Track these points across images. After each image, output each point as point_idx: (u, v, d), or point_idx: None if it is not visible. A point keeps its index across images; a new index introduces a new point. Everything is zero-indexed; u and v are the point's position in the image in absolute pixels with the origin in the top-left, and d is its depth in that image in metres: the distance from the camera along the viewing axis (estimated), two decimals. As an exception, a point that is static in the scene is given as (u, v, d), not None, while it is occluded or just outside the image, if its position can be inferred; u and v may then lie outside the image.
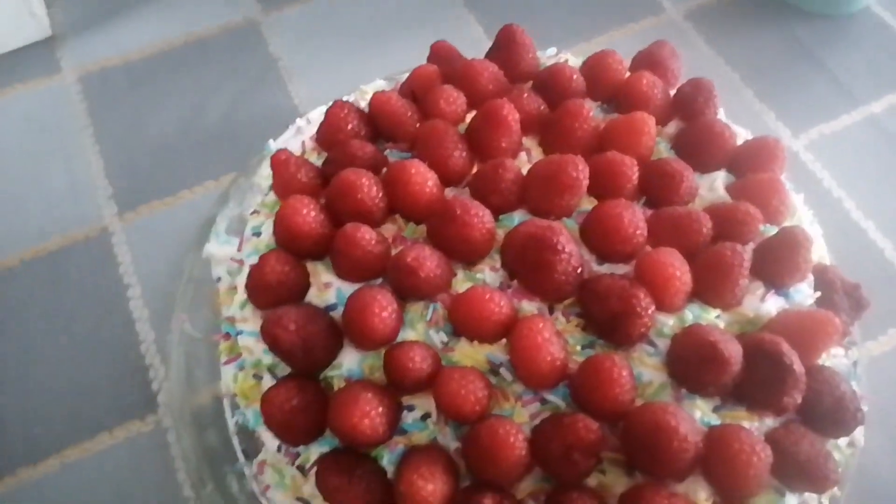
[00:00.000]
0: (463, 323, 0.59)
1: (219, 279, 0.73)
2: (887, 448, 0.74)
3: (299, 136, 0.77)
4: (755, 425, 0.57)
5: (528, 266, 0.60)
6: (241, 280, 0.65)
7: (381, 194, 0.62)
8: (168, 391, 0.75)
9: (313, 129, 0.75)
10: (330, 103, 0.72)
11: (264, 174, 0.76)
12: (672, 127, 0.72)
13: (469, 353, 0.59)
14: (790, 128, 0.93)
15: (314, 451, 0.59)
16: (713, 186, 0.67)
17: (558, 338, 0.57)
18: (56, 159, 0.91)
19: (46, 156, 0.92)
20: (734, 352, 0.55)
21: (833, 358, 0.62)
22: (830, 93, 0.96)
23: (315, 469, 0.58)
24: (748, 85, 0.97)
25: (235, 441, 0.69)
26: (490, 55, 0.74)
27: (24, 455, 0.73)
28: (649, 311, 0.57)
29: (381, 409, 0.55)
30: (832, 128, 0.94)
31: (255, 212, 0.70)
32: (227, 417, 0.70)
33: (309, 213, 0.61)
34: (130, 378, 0.78)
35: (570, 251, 0.58)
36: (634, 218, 0.60)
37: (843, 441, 0.60)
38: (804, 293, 0.63)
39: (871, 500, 0.71)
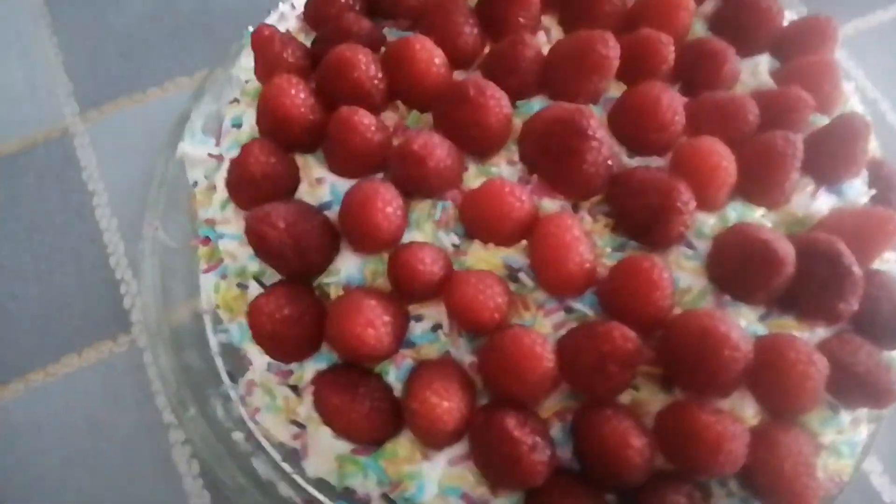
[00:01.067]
0: (477, 222, 0.51)
1: (195, 183, 0.65)
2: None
3: (283, 23, 0.68)
4: (806, 335, 0.51)
5: (551, 156, 0.52)
6: (221, 177, 0.57)
7: (380, 74, 0.54)
8: (142, 307, 0.67)
9: (298, 15, 0.66)
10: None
11: (244, 65, 0.67)
12: (709, 5, 0.63)
13: (484, 257, 0.52)
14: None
15: (310, 369, 0.52)
16: (756, 71, 0.60)
17: (587, 237, 0.50)
18: (10, 53, 0.82)
19: (1, 51, 0.81)
20: (788, 251, 0.48)
21: (887, 263, 0.56)
22: (868, -16, 0.88)
23: (312, 388, 0.51)
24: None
25: (219, 361, 0.63)
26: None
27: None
28: (691, 207, 0.50)
29: (386, 319, 0.48)
30: (868, 23, 0.86)
31: (234, 101, 0.62)
32: (209, 335, 0.63)
33: (298, 95, 0.52)
34: (100, 294, 0.70)
35: (602, 137, 0.51)
36: (673, 102, 0.53)
37: (897, 353, 0.54)
38: (858, 190, 0.56)
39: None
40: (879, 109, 0.81)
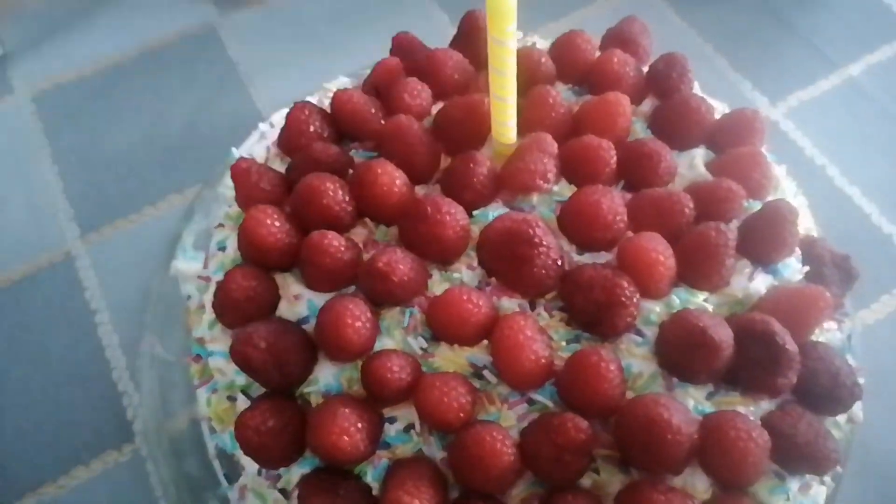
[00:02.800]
0: (441, 327, 0.56)
1: (188, 297, 0.71)
2: (886, 417, 0.72)
3: (263, 142, 0.74)
4: (751, 409, 0.54)
5: (505, 262, 0.57)
6: (209, 298, 0.63)
7: (347, 198, 0.60)
8: (143, 418, 0.71)
9: (277, 133, 0.72)
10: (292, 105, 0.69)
11: (229, 184, 0.72)
12: (647, 105, 0.69)
13: (450, 358, 0.56)
14: (767, 96, 0.91)
15: (295, 473, 0.56)
16: (693, 164, 0.65)
17: (541, 334, 0.55)
18: (13, 183, 0.88)
19: (3, 180, 0.88)
20: (724, 336, 0.53)
21: (826, 332, 0.60)
22: (806, 58, 0.94)
23: (297, 492, 0.55)
24: (722, 55, 0.94)
25: (216, 465, 0.66)
26: (454, 44, 0.72)
27: (-1, 495, 0.70)
28: (635, 300, 0.55)
29: (360, 425, 0.52)
30: (810, 93, 0.92)
31: (219, 225, 0.67)
32: (207, 441, 0.67)
33: (273, 224, 0.58)
34: (104, 407, 0.75)
35: (549, 243, 0.56)
36: (613, 204, 0.58)
37: (841, 418, 0.58)
38: (793, 268, 0.61)
39: (873, 473, 0.69)
40: (828, 174, 0.86)
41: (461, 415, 0.52)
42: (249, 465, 0.59)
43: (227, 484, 0.65)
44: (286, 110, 0.71)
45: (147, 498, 0.70)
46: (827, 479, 0.58)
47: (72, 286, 0.81)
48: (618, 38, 0.71)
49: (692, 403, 0.54)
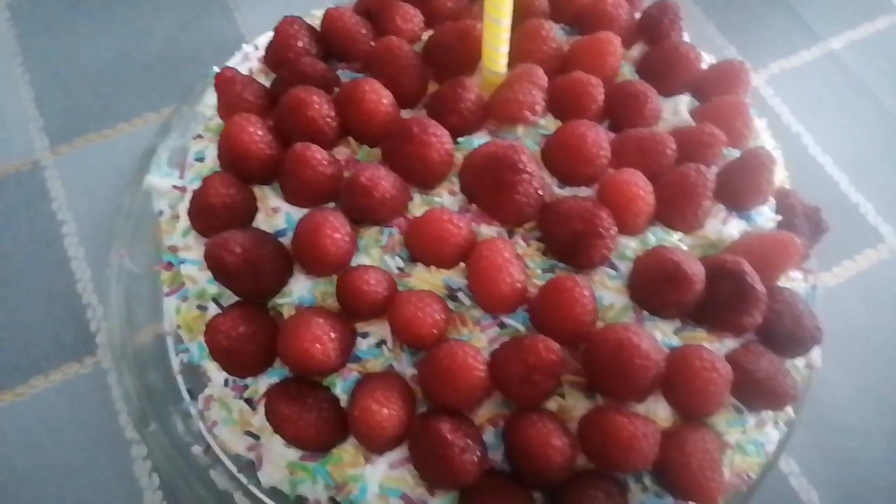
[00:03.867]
0: (420, 247, 0.56)
1: (160, 213, 0.69)
2: (841, 375, 0.74)
3: (246, 63, 0.73)
4: (716, 346, 0.56)
5: (488, 187, 0.57)
6: (184, 207, 0.62)
7: (332, 113, 0.59)
8: (107, 331, 0.70)
9: (261, 56, 0.71)
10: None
11: (209, 102, 0.71)
12: (636, 50, 0.70)
13: (426, 279, 0.56)
14: (751, 62, 0.91)
15: (263, 383, 0.56)
16: (677, 110, 0.66)
17: (518, 260, 0.55)
18: (-19, 89, 0.85)
19: (-29, 86, 0.86)
20: (697, 270, 0.54)
21: (792, 281, 0.61)
22: (792, 28, 0.95)
23: (264, 401, 0.55)
24: (710, 18, 0.95)
25: (180, 380, 0.66)
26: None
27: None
28: (612, 232, 0.55)
29: (333, 335, 0.52)
30: (792, 63, 0.93)
31: (198, 136, 0.66)
32: (171, 356, 0.67)
33: (256, 132, 0.57)
34: (66, 319, 0.73)
35: (532, 171, 0.56)
36: (598, 138, 0.58)
37: (800, 362, 0.60)
38: (766, 216, 0.62)
39: (825, 425, 0.72)
40: (802, 142, 0.88)
41: (434, 331, 0.52)
42: (216, 376, 0.59)
43: (189, 399, 0.65)
44: (272, 34, 0.69)
45: (107, 410, 0.69)
46: (781, 424, 0.61)
47: (38, 196, 0.79)
48: (613, -19, 0.71)
49: (660, 337, 0.55)
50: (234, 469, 0.61)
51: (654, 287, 0.55)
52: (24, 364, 0.71)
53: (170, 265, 0.61)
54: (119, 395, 0.69)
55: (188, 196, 0.62)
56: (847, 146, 0.87)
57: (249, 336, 0.53)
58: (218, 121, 0.65)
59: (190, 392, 0.65)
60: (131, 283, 0.69)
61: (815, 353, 0.61)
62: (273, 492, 0.59)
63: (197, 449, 0.62)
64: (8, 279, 0.75)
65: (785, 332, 0.57)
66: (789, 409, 0.61)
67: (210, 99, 0.70)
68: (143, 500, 0.66)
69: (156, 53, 0.88)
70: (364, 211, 0.56)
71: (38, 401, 0.69)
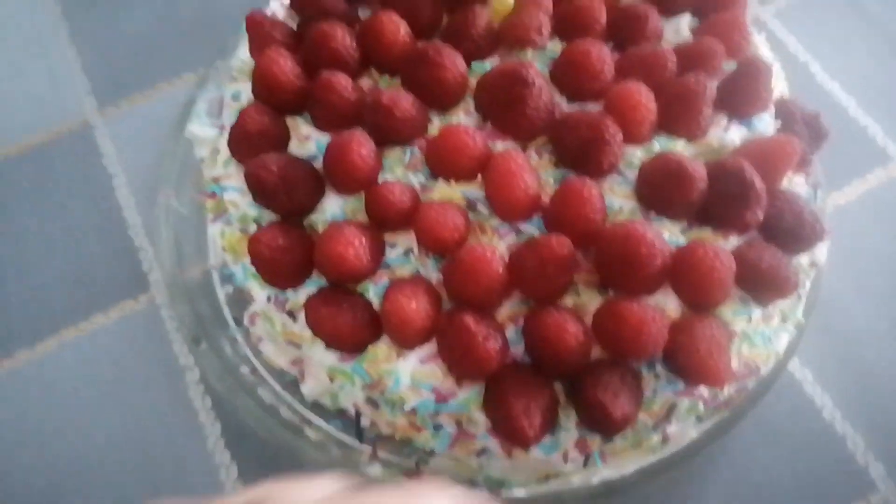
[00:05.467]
0: (440, 162, 0.61)
1: (202, 159, 0.75)
2: (852, 287, 0.77)
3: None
4: (721, 243, 0.59)
5: (500, 104, 0.61)
6: (223, 142, 0.67)
7: (354, 45, 0.64)
8: (159, 269, 0.76)
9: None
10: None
11: (242, 56, 0.76)
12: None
13: (446, 192, 0.61)
14: None
15: (302, 295, 0.61)
16: (679, 29, 0.69)
17: (532, 169, 0.60)
18: (34, 59, 0.92)
19: (25, 57, 0.92)
20: (699, 169, 0.57)
21: (794, 184, 0.65)
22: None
23: (304, 309, 0.60)
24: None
25: (226, 310, 0.72)
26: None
27: (22, 338, 0.75)
28: (618, 139, 0.59)
29: (364, 241, 0.57)
30: (801, -9, 0.95)
31: (232, 78, 0.71)
32: (217, 289, 0.72)
33: (286, 63, 0.62)
34: (121, 261, 0.79)
35: (541, 85, 0.60)
36: (602, 54, 0.62)
37: (805, 260, 0.63)
38: (766, 122, 0.65)
39: (837, 335, 0.75)
40: (810, 70, 0.90)
41: (455, 235, 0.57)
42: (259, 295, 0.64)
43: (235, 326, 0.70)
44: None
45: (162, 341, 0.75)
46: (790, 325, 0.64)
47: (90, 152, 0.85)
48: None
49: (667, 236, 0.59)
50: (278, 386, 0.67)
51: (659, 188, 0.59)
52: (85, 303, 0.77)
53: (213, 194, 0.67)
54: (171, 327, 0.75)
55: (226, 133, 0.67)
56: (854, 72, 0.89)
57: (288, 248, 0.58)
58: (251, 62, 0.70)
59: (235, 320, 0.70)
60: (178, 224, 0.75)
61: (820, 252, 0.64)
62: (316, 406, 0.65)
63: (244, 368, 0.68)
64: (67, 229, 0.81)
65: (787, 228, 0.60)
66: (798, 313, 0.64)
67: (242, 53, 0.75)
68: (198, 420, 0.71)
69: (190, 17, 0.94)
70: (387, 130, 0.61)
71: (98, 335, 0.76)
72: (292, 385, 0.66)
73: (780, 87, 0.70)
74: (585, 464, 0.58)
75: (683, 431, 0.60)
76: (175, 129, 0.78)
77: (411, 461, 0.62)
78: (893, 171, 0.84)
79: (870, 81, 0.89)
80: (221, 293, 0.72)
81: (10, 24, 0.94)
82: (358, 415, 0.63)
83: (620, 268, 0.55)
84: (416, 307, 0.54)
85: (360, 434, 0.64)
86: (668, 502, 0.66)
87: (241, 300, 0.68)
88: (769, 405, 0.66)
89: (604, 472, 0.59)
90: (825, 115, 0.78)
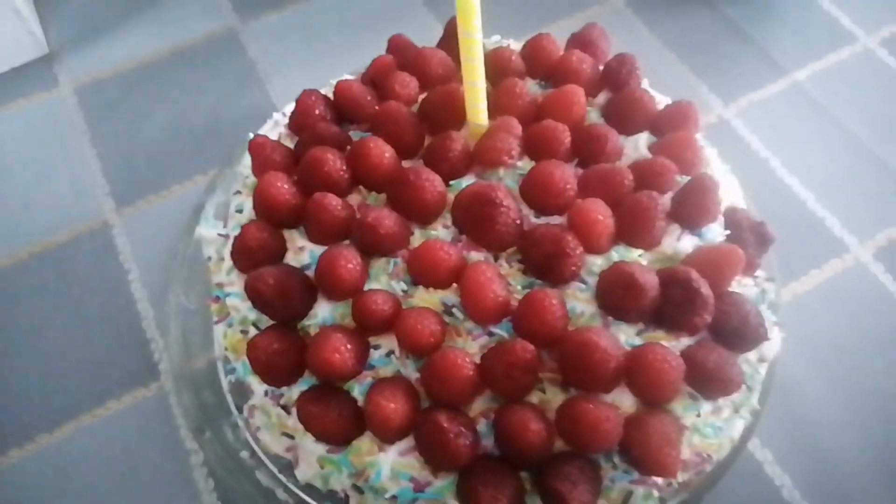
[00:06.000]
0: (419, 272, 0.68)
1: (209, 258, 0.83)
2: (810, 373, 0.83)
3: (276, 129, 0.86)
4: (673, 344, 0.66)
5: (473, 220, 0.69)
6: (227, 251, 0.75)
7: (345, 167, 0.72)
8: (168, 359, 0.83)
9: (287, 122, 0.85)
10: (300, 94, 0.81)
11: (246, 163, 0.85)
12: (602, 98, 0.81)
13: (426, 298, 0.68)
14: (721, 98, 1.03)
15: (295, 391, 0.67)
16: (637, 146, 0.77)
17: (501, 279, 0.67)
18: (58, 164, 1.01)
19: (49, 161, 1.01)
20: (650, 279, 0.64)
21: (743, 287, 0.71)
22: (758, 64, 1.06)
23: (296, 406, 0.66)
24: (684, 62, 1.06)
25: (229, 398, 0.78)
26: (440, 44, 0.84)
27: (41, 424, 0.82)
28: (578, 252, 0.66)
29: (350, 346, 0.64)
30: (760, 96, 1.03)
31: (237, 192, 0.80)
32: (221, 378, 0.79)
33: (283, 186, 0.70)
34: (134, 351, 0.87)
35: (509, 205, 0.68)
36: (565, 174, 0.70)
37: (753, 356, 0.69)
38: (715, 232, 0.72)
39: (795, 418, 0.80)
40: (770, 166, 0.98)
41: (432, 339, 0.64)
42: (258, 389, 0.71)
43: (237, 413, 0.77)
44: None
45: (170, 425, 0.82)
46: (745, 413, 0.70)
47: (108, 250, 0.94)
48: (580, 40, 0.84)
49: (624, 338, 0.65)
50: (275, 469, 0.73)
51: (615, 296, 0.65)
52: (100, 390, 0.84)
53: (217, 299, 0.74)
54: (179, 413, 0.82)
55: (230, 241, 0.75)
56: (812, 167, 0.97)
57: (283, 351, 0.65)
58: (253, 179, 0.78)
59: (237, 407, 0.77)
60: (187, 318, 0.82)
61: (769, 348, 0.70)
62: (308, 488, 0.71)
63: (244, 453, 0.74)
64: (84, 321, 0.89)
65: (733, 330, 0.66)
66: (753, 401, 0.70)
67: (247, 160, 0.83)
68: (201, 500, 0.78)
69: (201, 124, 1.03)
70: (372, 245, 0.68)
71: (111, 421, 0.82)
72: (287, 469, 0.72)
73: (733, 193, 0.77)
74: (551, 548, 0.63)
75: (644, 517, 0.66)
76: (185, 230, 0.86)
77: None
78: (849, 261, 0.90)
79: (828, 176, 0.96)
80: (225, 382, 0.79)
81: (35, 132, 1.04)
82: (347, 498, 0.69)
83: (578, 370, 0.62)
84: (395, 408, 0.61)
85: (349, 515, 0.69)
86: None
87: (242, 389, 0.75)
88: (730, 486, 0.71)
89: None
90: (783, 209, 0.85)
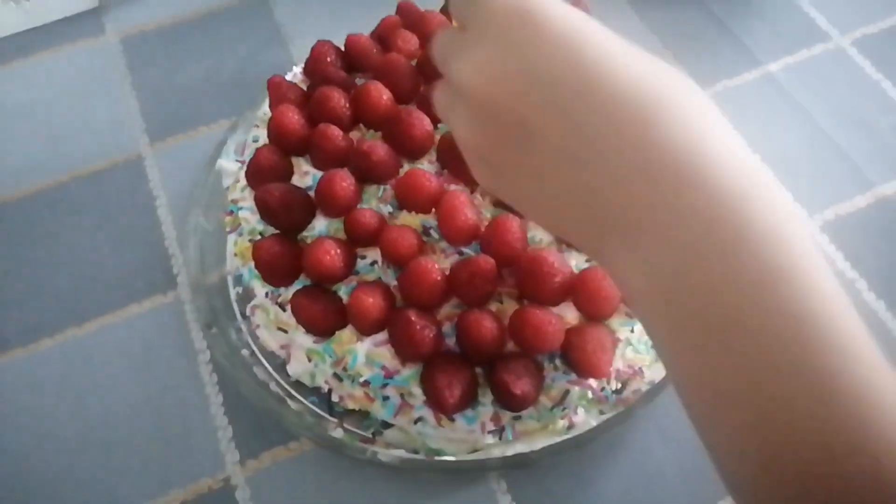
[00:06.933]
0: (404, 196, 0.79)
1: (227, 188, 0.95)
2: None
3: (293, 80, 0.98)
4: (617, 272, 0.76)
5: (455, 158, 0.79)
6: (243, 173, 0.87)
7: (347, 105, 0.83)
8: (186, 272, 0.95)
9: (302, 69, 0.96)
10: (316, 45, 0.93)
11: (265, 108, 0.97)
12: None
13: (408, 220, 0.79)
14: (698, 82, 1.11)
15: (290, 291, 0.79)
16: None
17: (473, 206, 0.78)
18: (101, 102, 1.13)
19: (93, 100, 1.13)
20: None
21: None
22: (735, 54, 1.15)
23: (291, 302, 0.78)
24: (667, 47, 1.16)
25: (235, 306, 0.89)
26: (442, 10, 0.95)
27: (72, 318, 0.94)
28: (540, 187, 0.77)
29: (339, 252, 0.75)
30: (735, 83, 1.13)
31: (255, 126, 0.91)
32: (230, 289, 0.91)
33: (294, 116, 0.82)
34: (157, 264, 0.98)
35: (483, 143, 0.79)
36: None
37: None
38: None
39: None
40: (740, 148, 1.08)
41: (410, 251, 0.74)
42: (259, 291, 0.82)
43: (241, 318, 0.88)
44: (311, 54, 0.95)
45: (183, 329, 0.92)
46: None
47: (140, 178, 1.05)
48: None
49: (574, 263, 0.76)
50: (269, 367, 0.84)
51: (568, 225, 0.76)
52: (125, 294, 0.95)
53: (231, 213, 0.86)
54: (192, 318, 0.93)
55: (246, 166, 0.87)
56: (774, 148, 1.05)
57: (282, 254, 0.77)
58: (269, 113, 0.90)
59: (241, 314, 0.88)
60: (204, 238, 0.93)
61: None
62: (297, 384, 0.82)
63: (245, 352, 0.85)
64: (115, 238, 1.00)
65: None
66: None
67: (266, 106, 0.95)
68: (205, 392, 0.88)
69: (229, 77, 1.15)
70: (366, 171, 0.79)
71: (133, 321, 0.93)
72: (280, 367, 0.83)
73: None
74: (500, 437, 0.74)
75: (586, 421, 0.76)
76: (209, 163, 0.98)
77: (368, 432, 0.79)
78: (799, 232, 1.00)
79: (787, 157, 1.05)
80: (233, 293, 0.90)
81: (82, 74, 1.16)
82: (329, 392, 0.80)
83: (530, 283, 0.72)
84: (373, 301, 0.72)
85: (330, 408, 0.80)
86: (573, 483, 0.81)
87: (246, 298, 0.87)
88: (665, 409, 0.81)
89: (517, 447, 0.75)
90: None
